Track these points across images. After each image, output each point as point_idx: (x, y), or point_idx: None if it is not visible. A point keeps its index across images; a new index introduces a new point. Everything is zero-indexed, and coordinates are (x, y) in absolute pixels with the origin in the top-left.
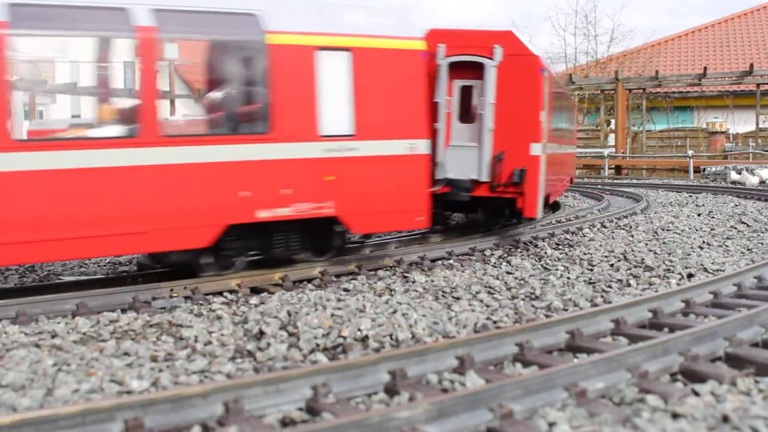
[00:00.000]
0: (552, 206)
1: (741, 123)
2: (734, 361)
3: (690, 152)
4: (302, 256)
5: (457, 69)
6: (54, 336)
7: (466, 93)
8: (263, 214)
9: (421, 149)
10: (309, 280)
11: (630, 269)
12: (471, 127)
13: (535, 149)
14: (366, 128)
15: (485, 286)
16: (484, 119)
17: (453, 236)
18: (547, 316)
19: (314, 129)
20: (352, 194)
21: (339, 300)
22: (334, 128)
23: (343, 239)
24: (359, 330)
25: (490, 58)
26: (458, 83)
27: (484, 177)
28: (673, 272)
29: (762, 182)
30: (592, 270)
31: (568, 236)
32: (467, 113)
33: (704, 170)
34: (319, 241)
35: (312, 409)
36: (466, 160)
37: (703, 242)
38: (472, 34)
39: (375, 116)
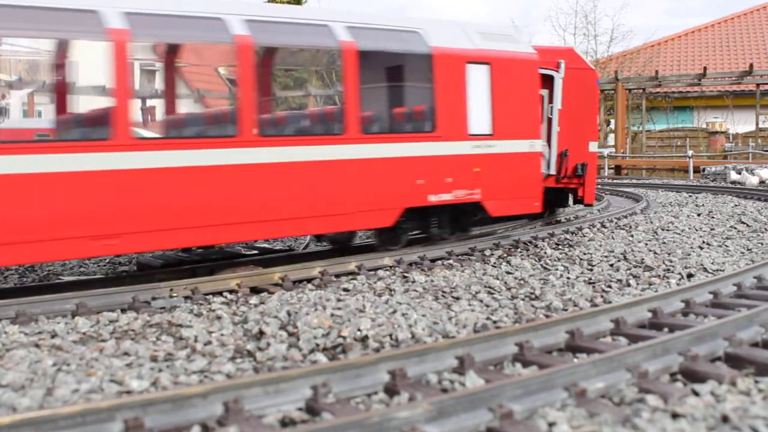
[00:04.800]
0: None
1: (741, 123)
2: (734, 361)
3: (690, 152)
4: None
5: None
6: (54, 336)
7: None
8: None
9: (537, 147)
10: (309, 280)
11: (630, 269)
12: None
13: (593, 147)
14: (501, 130)
15: (485, 286)
16: (553, 122)
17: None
18: (547, 316)
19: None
20: (491, 182)
21: (339, 300)
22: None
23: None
24: (359, 330)
25: (557, 71)
26: None
27: (552, 170)
28: (672, 272)
29: (762, 182)
30: (591, 270)
31: (567, 236)
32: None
33: (704, 170)
34: None
35: (312, 409)
36: None
37: (703, 242)
38: (541, 51)
39: (509, 120)
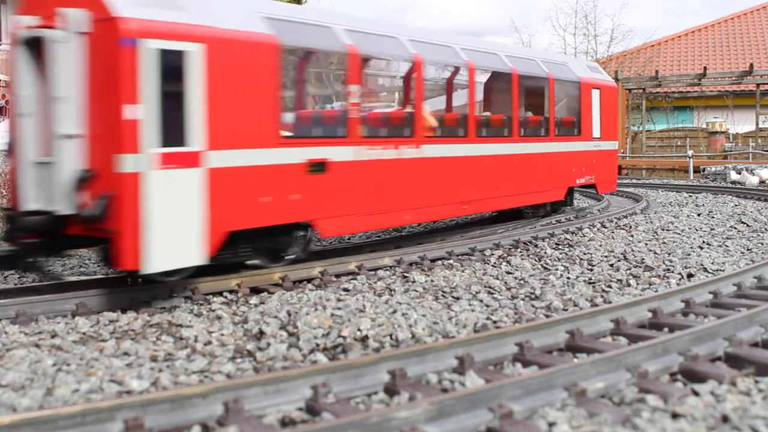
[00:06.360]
0: (552, 206)
1: (741, 123)
2: (734, 361)
3: (690, 152)
4: None
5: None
6: (54, 336)
7: None
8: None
9: None
10: (309, 280)
11: (630, 269)
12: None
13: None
14: None
15: (485, 286)
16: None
17: (452, 236)
18: (547, 316)
19: None
20: None
21: (339, 300)
22: None
23: None
24: (359, 330)
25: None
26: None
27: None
28: (672, 272)
29: (762, 182)
30: (591, 270)
31: (568, 236)
32: None
33: (704, 170)
34: None
35: (312, 409)
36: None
37: (703, 242)
38: None
39: None
